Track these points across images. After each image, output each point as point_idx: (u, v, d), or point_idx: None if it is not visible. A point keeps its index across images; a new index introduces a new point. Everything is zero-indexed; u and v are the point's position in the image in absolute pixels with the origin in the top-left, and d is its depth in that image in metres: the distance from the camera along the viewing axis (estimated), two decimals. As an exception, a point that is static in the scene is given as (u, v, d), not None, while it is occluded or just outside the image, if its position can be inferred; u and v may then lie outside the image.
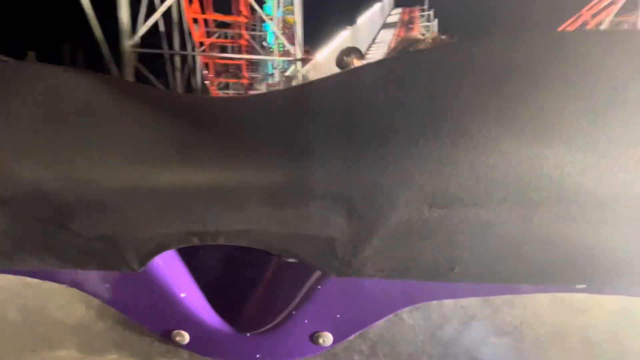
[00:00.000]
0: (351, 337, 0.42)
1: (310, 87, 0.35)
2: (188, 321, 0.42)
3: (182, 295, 0.41)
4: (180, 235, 0.34)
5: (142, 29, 9.03)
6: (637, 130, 0.28)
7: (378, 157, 0.29)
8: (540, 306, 0.42)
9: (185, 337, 0.43)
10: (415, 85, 0.31)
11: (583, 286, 0.36)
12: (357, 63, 2.93)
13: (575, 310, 0.42)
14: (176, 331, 0.43)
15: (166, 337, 0.44)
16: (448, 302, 0.42)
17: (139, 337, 0.47)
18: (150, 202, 0.32)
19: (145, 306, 0.42)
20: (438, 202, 0.29)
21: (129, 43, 8.70)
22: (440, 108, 0.29)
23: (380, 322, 0.42)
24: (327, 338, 0.41)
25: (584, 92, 0.28)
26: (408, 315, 0.42)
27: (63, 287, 0.42)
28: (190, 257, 0.47)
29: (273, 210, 0.31)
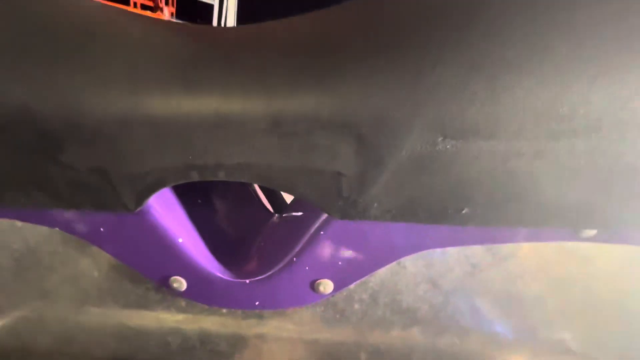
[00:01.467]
0: (352, 286, 0.41)
1: (317, 16, 0.33)
2: (186, 267, 0.41)
3: (180, 240, 0.40)
4: (179, 169, 0.32)
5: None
6: None
7: (391, 83, 0.27)
8: (544, 257, 0.42)
9: (182, 284, 0.42)
10: (431, 12, 0.29)
11: (593, 233, 0.35)
12: None
13: (579, 261, 0.41)
14: (173, 278, 0.42)
15: (163, 284, 0.43)
16: (451, 251, 0.41)
17: (135, 285, 0.46)
18: (146, 131, 0.30)
19: (141, 252, 0.41)
20: (453, 133, 0.28)
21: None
22: (458, 34, 0.27)
23: (381, 270, 0.41)
24: (327, 286, 0.40)
25: (602, 20, 0.26)
26: (410, 264, 0.42)
27: (55, 231, 0.40)
28: (191, 203, 0.46)
29: (277, 140, 0.29)
